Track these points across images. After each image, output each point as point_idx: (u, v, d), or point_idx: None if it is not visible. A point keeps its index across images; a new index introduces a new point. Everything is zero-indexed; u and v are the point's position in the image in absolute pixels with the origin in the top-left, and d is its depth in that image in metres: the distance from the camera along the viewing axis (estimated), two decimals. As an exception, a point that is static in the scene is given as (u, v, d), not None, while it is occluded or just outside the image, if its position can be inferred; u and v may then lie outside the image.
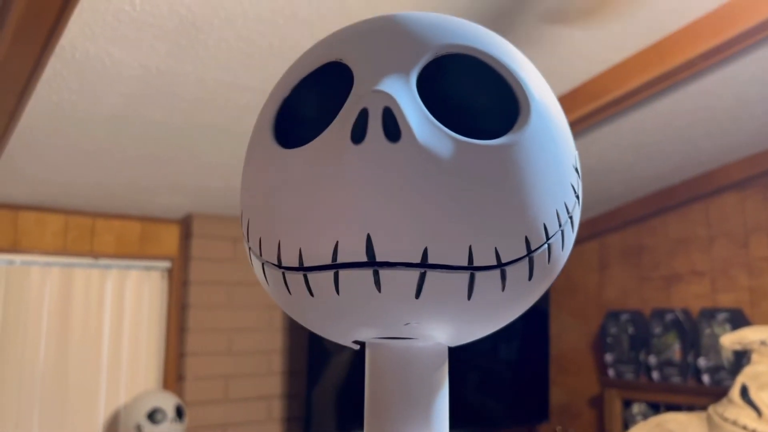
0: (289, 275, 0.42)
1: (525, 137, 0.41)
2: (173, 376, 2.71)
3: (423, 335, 0.44)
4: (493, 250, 0.39)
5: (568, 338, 3.68)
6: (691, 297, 3.20)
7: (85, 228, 2.60)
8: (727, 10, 1.82)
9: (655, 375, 3.09)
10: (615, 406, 3.23)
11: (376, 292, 0.39)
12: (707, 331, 2.95)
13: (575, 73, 2.11)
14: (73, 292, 2.59)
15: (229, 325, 2.79)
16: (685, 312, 3.10)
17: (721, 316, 2.93)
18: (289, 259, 0.41)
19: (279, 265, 0.42)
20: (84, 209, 2.60)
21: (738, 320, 2.88)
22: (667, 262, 3.33)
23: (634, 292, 3.42)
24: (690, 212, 3.27)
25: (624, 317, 3.28)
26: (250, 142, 0.47)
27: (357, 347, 0.49)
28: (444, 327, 0.43)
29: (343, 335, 0.46)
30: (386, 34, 0.43)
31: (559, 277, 3.71)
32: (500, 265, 0.40)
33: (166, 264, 2.77)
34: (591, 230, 3.59)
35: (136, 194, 2.53)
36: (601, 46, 1.96)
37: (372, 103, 0.37)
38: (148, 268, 2.74)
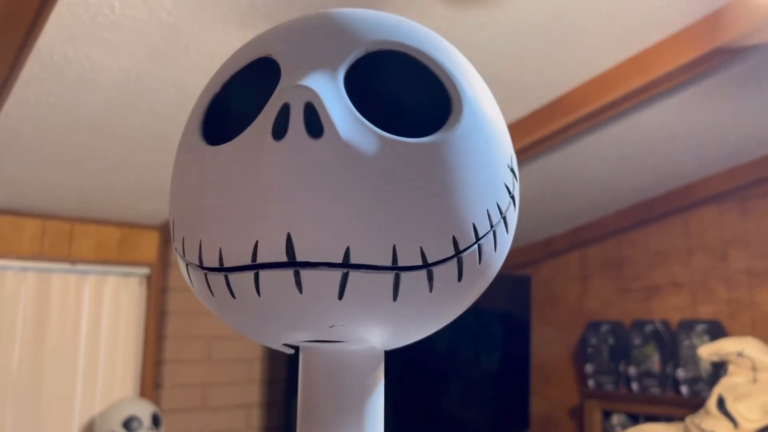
0: (210, 276, 0.41)
1: (455, 136, 0.40)
2: (150, 383, 2.68)
3: (351, 338, 0.43)
4: (419, 249, 0.38)
5: (549, 349, 3.68)
6: (670, 309, 3.22)
7: (63, 233, 2.57)
8: (711, 20, 1.84)
9: (635, 386, 3.10)
10: (595, 416, 3.23)
11: (298, 293, 0.38)
12: (686, 342, 2.97)
13: (555, 84, 2.12)
14: (49, 298, 2.55)
15: (208, 333, 2.77)
16: (665, 323, 3.12)
17: (700, 328, 2.95)
18: (210, 260, 0.40)
19: (201, 266, 0.41)
20: (62, 214, 2.57)
21: (716, 332, 2.90)
22: (648, 273, 3.35)
23: (615, 304, 3.44)
24: (669, 225, 3.29)
25: (604, 328, 3.29)
26: (180, 141, 0.46)
27: (290, 351, 0.48)
28: (372, 329, 0.42)
29: (272, 339, 0.45)
30: (317, 30, 0.43)
31: (540, 288, 3.74)
32: (426, 266, 0.39)
33: (145, 270, 2.74)
34: (572, 241, 3.61)
35: (116, 199, 2.51)
36: (581, 56, 1.98)
37: (294, 98, 0.36)
38: (126, 275, 2.71)
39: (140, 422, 2.44)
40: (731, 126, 2.48)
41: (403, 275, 0.38)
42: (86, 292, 2.62)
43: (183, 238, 0.43)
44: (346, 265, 0.37)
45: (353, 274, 0.38)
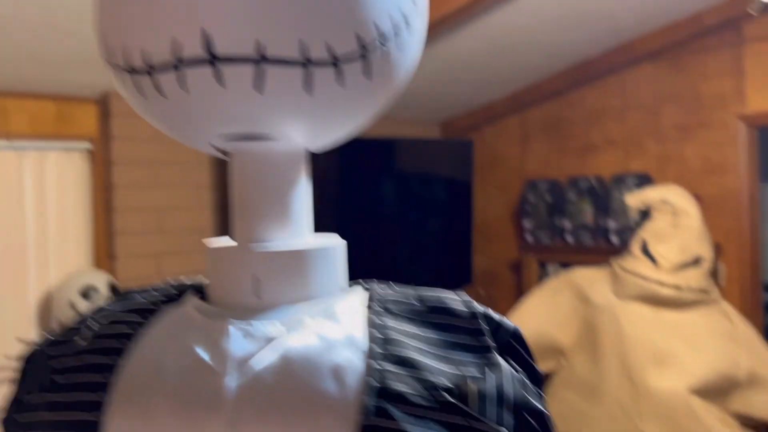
0: (140, 78, 0.45)
1: None
2: (104, 255, 2.73)
3: (274, 132, 0.48)
4: (325, 44, 0.43)
5: (491, 209, 3.85)
6: (604, 165, 3.39)
7: (-4, 108, 2.49)
8: None
9: (569, 238, 3.31)
10: (532, 268, 3.46)
11: (219, 87, 0.43)
12: (617, 195, 3.16)
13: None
14: (-11, 176, 2.52)
15: (158, 204, 2.80)
16: (599, 179, 3.29)
17: (630, 181, 3.13)
18: (137, 61, 0.44)
19: (130, 70, 0.45)
20: (-8, 89, 2.48)
21: (645, 184, 3.08)
22: (584, 133, 3.47)
23: (553, 163, 3.59)
24: (606, 84, 3.38)
25: (542, 186, 3.45)
26: None
27: (224, 156, 0.54)
28: (291, 123, 0.47)
29: (201, 138, 0.50)
30: None
31: (483, 151, 3.84)
32: (335, 61, 0.44)
33: (86, 144, 2.71)
34: (513, 104, 3.69)
35: (48, 71, 2.42)
36: None
37: None
38: (67, 149, 2.67)
39: (97, 291, 2.51)
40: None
41: (315, 70, 0.44)
42: (27, 169, 2.59)
43: (110, 46, 0.46)
44: (262, 59, 0.42)
45: (269, 68, 0.43)
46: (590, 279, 2.48)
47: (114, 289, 2.57)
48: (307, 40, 0.42)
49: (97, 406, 0.47)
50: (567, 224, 3.31)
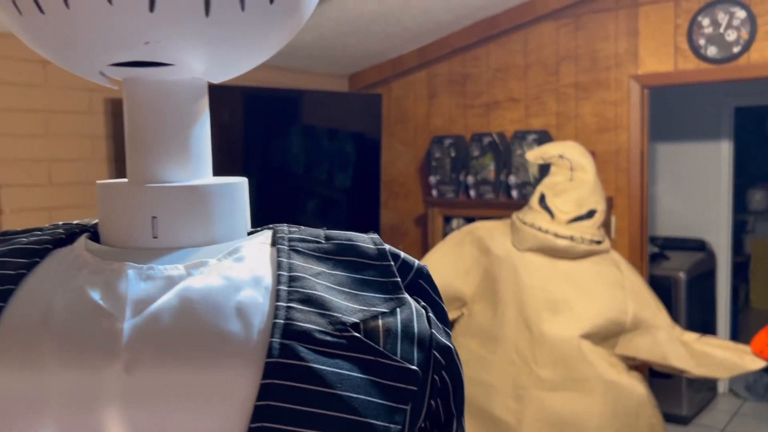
0: None
1: None
2: (-13, 209, 2.55)
3: (171, 59, 0.44)
4: None
5: (398, 165, 3.88)
6: (507, 122, 3.47)
7: None
8: None
9: (472, 193, 3.40)
10: (437, 222, 3.54)
11: (108, 4, 0.39)
12: (518, 152, 3.25)
13: None
14: None
15: (47, 156, 2.63)
16: (501, 135, 3.37)
17: (531, 137, 3.23)
18: None
19: None
20: None
21: (545, 141, 3.19)
22: (488, 89, 3.54)
23: (458, 119, 3.64)
24: (510, 41, 3.45)
25: (447, 142, 3.50)
26: None
27: (114, 87, 0.50)
28: (188, 48, 0.44)
29: (88, 64, 0.45)
30: None
31: (391, 106, 3.84)
32: None
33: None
34: (420, 60, 3.69)
35: None
36: None
37: None
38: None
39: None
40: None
41: None
42: None
43: None
44: None
45: None
46: (491, 231, 2.57)
47: None
48: None
49: None
50: (470, 179, 3.39)
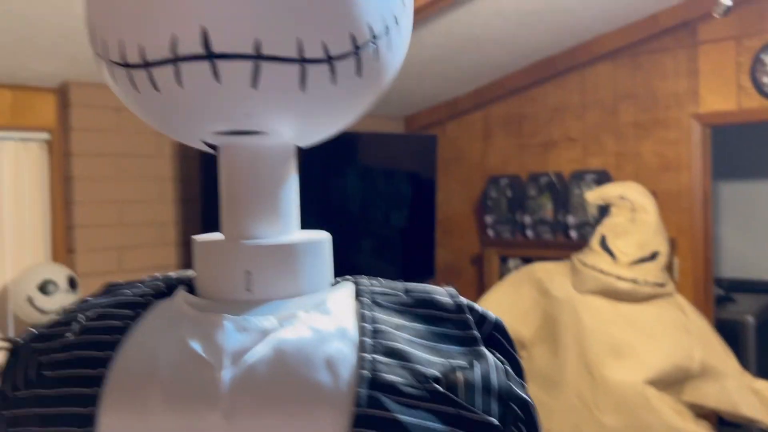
0: (134, 73, 0.45)
1: None
2: (63, 248, 2.67)
3: (267, 127, 0.49)
4: (321, 43, 0.44)
5: (453, 204, 3.90)
6: (564, 161, 3.45)
7: (-51, 97, 2.41)
8: None
9: (530, 233, 3.37)
10: (493, 262, 3.52)
11: (216, 82, 0.43)
12: (576, 191, 3.23)
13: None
14: (-58, 166, 2.44)
15: (118, 197, 2.75)
16: (558, 175, 3.35)
17: (589, 178, 3.20)
18: (132, 56, 0.44)
19: (124, 64, 0.45)
20: (-56, 76, 2.40)
21: (604, 181, 3.16)
22: (545, 129, 3.54)
23: (514, 159, 3.64)
24: (567, 82, 3.45)
25: (503, 182, 3.50)
26: None
27: (211, 151, 0.54)
28: (285, 119, 0.48)
29: (193, 132, 0.50)
30: None
31: (446, 147, 3.87)
32: (329, 59, 0.45)
33: (44, 135, 2.64)
34: (476, 101, 3.73)
35: (3, 59, 2.35)
36: None
37: None
38: (24, 140, 2.61)
39: (56, 285, 2.46)
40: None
41: (309, 67, 0.44)
42: (-18, 160, 2.52)
43: (105, 41, 0.46)
44: (258, 56, 0.43)
45: (265, 65, 0.43)
46: (550, 273, 2.54)
47: (72, 283, 2.52)
48: (304, 39, 0.43)
49: (90, 400, 0.47)
50: (527, 219, 3.37)
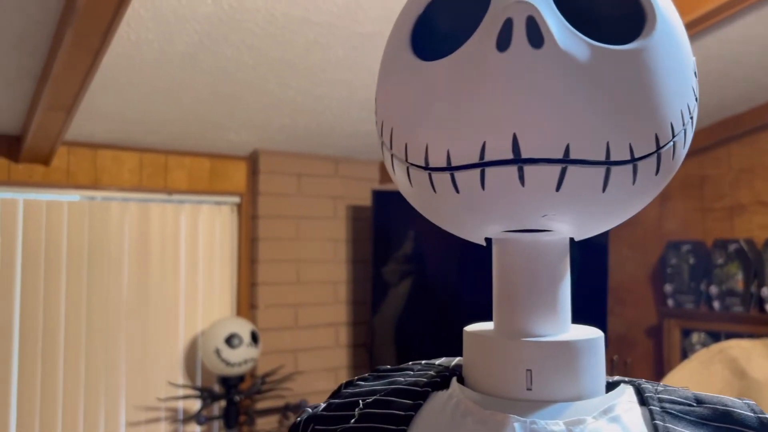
0: (435, 175, 0.46)
1: (653, 42, 0.44)
2: (246, 304, 2.86)
3: (556, 227, 0.48)
4: (628, 146, 0.43)
5: (626, 270, 3.69)
6: (755, 227, 3.16)
7: (159, 165, 2.72)
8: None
9: (716, 305, 3.09)
10: (674, 335, 3.26)
11: (520, 186, 0.43)
12: (772, 260, 2.93)
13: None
14: (150, 226, 2.73)
15: (297, 257, 2.91)
16: (749, 242, 3.07)
17: (787, 246, 2.90)
18: (437, 161, 0.45)
19: (426, 167, 0.46)
20: (157, 147, 2.71)
21: (804, 249, 2.84)
22: (731, 192, 3.28)
23: (696, 224, 3.40)
24: (755, 141, 3.19)
25: (685, 248, 3.27)
26: (387, 59, 0.51)
27: (484, 244, 0.53)
28: (577, 219, 0.47)
29: (478, 230, 0.50)
30: None
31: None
32: (633, 160, 0.44)
33: (235, 199, 2.88)
34: (652, 162, 3.55)
35: (206, 131, 2.62)
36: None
37: (516, 13, 0.40)
38: (218, 203, 2.86)
39: (240, 339, 2.63)
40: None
41: (614, 169, 0.44)
42: (183, 220, 2.79)
43: (406, 144, 0.48)
44: (566, 160, 0.42)
45: (571, 168, 0.43)
46: (747, 351, 2.30)
47: (254, 337, 2.68)
48: (612, 142, 0.43)
49: None
50: (714, 290, 3.10)
